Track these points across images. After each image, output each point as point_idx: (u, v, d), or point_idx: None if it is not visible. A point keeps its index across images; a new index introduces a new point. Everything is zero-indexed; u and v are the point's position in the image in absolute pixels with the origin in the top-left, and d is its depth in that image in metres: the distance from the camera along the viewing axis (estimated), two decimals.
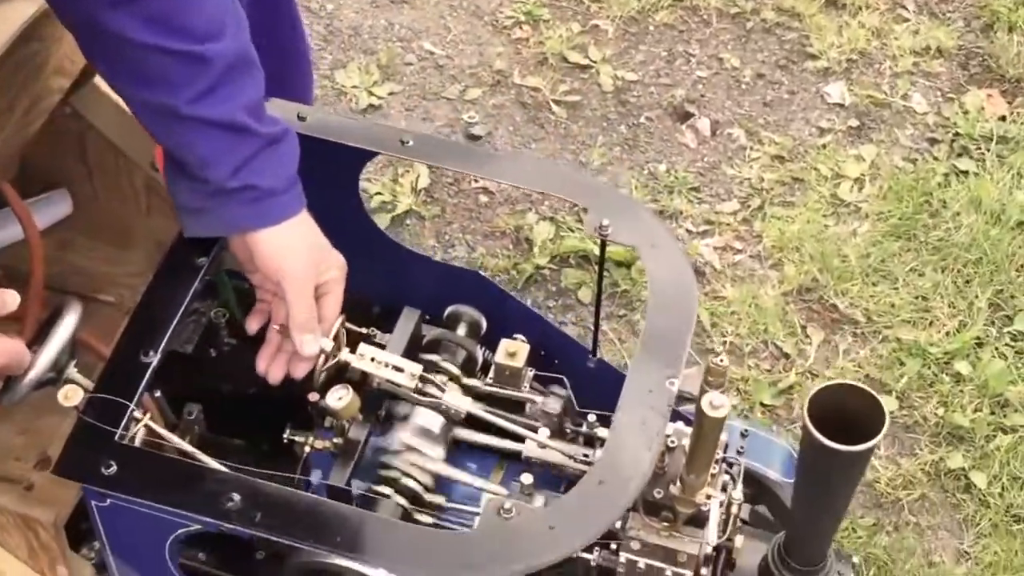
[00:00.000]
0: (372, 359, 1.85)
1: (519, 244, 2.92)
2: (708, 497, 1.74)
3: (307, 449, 1.92)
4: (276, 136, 1.68)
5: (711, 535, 1.74)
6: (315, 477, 1.96)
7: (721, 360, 1.64)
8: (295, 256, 1.73)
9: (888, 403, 2.58)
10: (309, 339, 1.78)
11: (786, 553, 1.86)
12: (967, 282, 2.85)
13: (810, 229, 2.94)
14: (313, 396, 1.89)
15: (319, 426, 1.96)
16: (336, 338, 1.84)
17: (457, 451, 1.97)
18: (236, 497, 1.62)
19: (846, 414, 1.60)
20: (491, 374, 1.99)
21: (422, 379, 1.86)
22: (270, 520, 1.61)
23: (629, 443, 1.68)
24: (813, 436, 1.57)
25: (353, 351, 1.86)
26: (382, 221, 2.94)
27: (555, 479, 1.95)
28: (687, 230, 2.98)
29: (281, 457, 1.94)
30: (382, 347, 1.92)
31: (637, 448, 1.67)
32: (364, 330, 1.93)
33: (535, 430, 1.92)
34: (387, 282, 2.13)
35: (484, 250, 2.91)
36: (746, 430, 2.18)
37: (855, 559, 1.99)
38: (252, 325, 1.91)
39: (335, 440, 1.90)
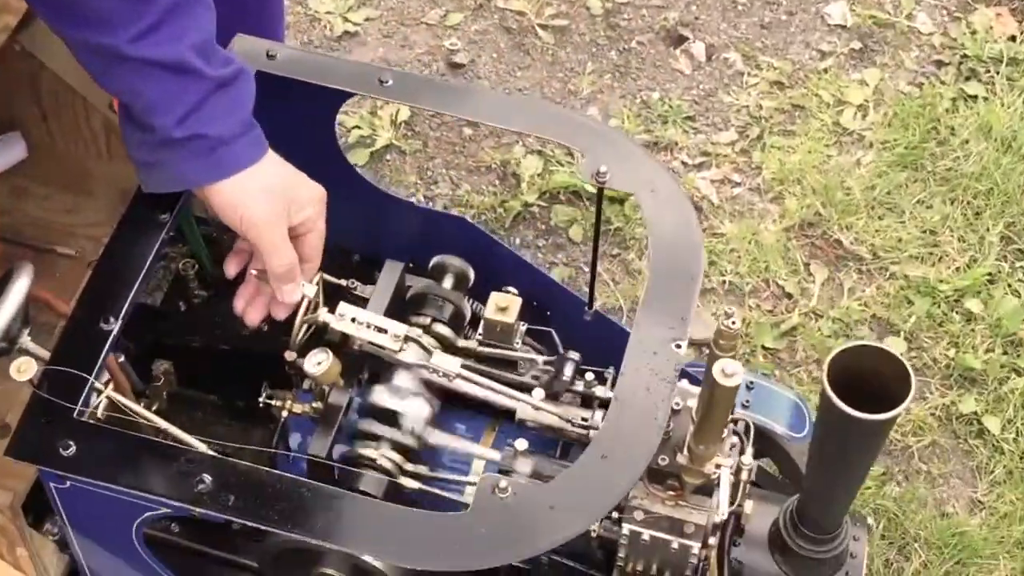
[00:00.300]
0: (353, 320, 1.71)
1: (505, 180, 2.76)
2: (717, 466, 1.62)
3: (285, 413, 1.79)
4: (226, 79, 1.53)
5: (721, 505, 1.61)
6: (294, 442, 1.83)
7: (732, 323, 1.51)
8: (256, 205, 1.59)
9: (896, 345, 2.46)
10: (290, 288, 1.65)
11: (799, 520, 1.74)
12: (977, 214, 2.71)
13: (812, 160, 2.79)
14: (290, 355, 1.75)
15: (297, 386, 1.82)
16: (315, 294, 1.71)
17: (446, 413, 1.84)
18: (207, 479, 1.49)
19: (868, 378, 1.47)
20: (480, 330, 1.85)
21: (407, 340, 1.72)
22: (244, 504, 1.48)
23: (634, 412, 1.54)
24: (833, 403, 1.45)
25: (332, 308, 1.72)
26: (360, 157, 2.78)
27: (550, 442, 1.82)
28: (682, 162, 2.83)
29: (257, 416, 1.80)
30: (364, 301, 1.79)
31: (642, 418, 1.54)
32: (343, 282, 1.83)
33: (529, 390, 1.79)
34: (367, 230, 2.00)
35: (469, 187, 2.76)
36: (751, 382, 2.05)
37: (869, 520, 1.88)
38: (230, 268, 1.75)
39: (314, 404, 1.77)
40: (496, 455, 1.76)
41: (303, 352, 1.71)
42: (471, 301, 1.91)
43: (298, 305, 1.70)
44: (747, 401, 2.03)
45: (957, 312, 2.57)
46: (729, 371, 1.46)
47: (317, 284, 1.72)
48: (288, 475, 1.51)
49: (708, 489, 1.65)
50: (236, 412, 2.03)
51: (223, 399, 1.94)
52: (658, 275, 1.66)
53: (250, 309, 1.72)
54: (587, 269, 2.53)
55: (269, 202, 1.59)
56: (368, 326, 1.71)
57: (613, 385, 1.63)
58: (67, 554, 1.87)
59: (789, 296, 2.58)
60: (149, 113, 1.54)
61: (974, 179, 2.73)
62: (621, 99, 2.92)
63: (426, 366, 1.73)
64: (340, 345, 1.74)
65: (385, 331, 1.71)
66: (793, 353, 2.47)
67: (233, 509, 1.48)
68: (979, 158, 2.75)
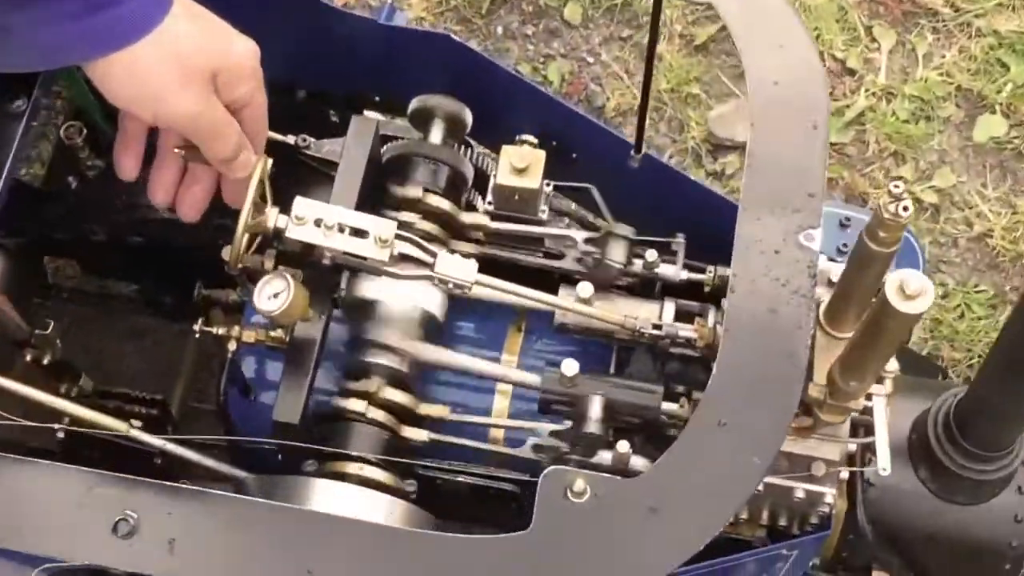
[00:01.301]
0: (318, 223, 1.17)
1: None
2: (869, 398, 1.14)
3: (232, 346, 1.28)
4: None
5: (880, 455, 1.14)
6: (250, 369, 1.33)
7: (897, 186, 1.00)
8: (170, 89, 1.10)
9: (992, 126, 1.94)
10: (242, 161, 1.19)
11: (960, 432, 1.27)
12: None
13: None
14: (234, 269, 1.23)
15: (243, 286, 1.30)
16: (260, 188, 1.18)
17: (455, 318, 1.34)
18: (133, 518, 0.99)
19: None
20: (490, 197, 1.33)
21: (398, 239, 1.20)
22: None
23: (756, 349, 1.04)
24: None
25: (286, 208, 1.18)
26: None
27: (597, 348, 1.33)
28: None
29: (190, 313, 1.38)
30: (324, 164, 1.36)
31: (772, 359, 1.04)
32: (290, 138, 1.38)
33: (567, 279, 1.29)
34: (316, 58, 1.46)
35: None
36: (847, 217, 1.55)
37: None
38: (126, 165, 1.22)
39: (273, 333, 1.26)
40: (535, 380, 1.26)
41: (253, 275, 1.19)
42: (471, 151, 1.38)
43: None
44: (844, 245, 1.54)
45: None
46: (913, 289, 0.97)
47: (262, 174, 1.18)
48: (226, 495, 1.02)
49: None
50: (162, 311, 1.54)
51: (144, 293, 1.60)
52: (764, 125, 1.12)
53: (180, 201, 1.25)
54: (592, 60, 1.97)
55: (189, 80, 1.11)
56: (340, 229, 1.18)
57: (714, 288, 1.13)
58: None
59: (851, 72, 2.04)
60: None
61: None
62: None
63: (429, 277, 1.20)
64: (302, 257, 1.21)
65: (365, 233, 1.18)
66: (863, 147, 1.95)
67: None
68: None
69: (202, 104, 1.12)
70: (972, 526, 1.35)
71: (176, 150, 1.21)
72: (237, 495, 1.16)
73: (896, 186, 1.00)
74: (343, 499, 1.17)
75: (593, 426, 1.23)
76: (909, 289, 0.97)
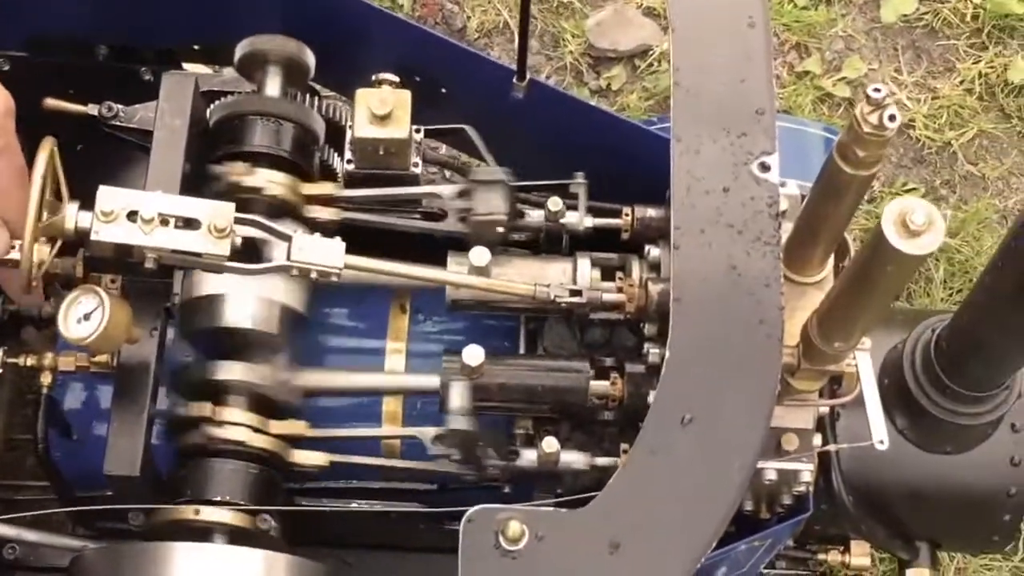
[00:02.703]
0: (132, 216, 0.91)
1: None
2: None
3: (46, 380, 1.02)
4: None
5: (874, 425, 0.92)
6: (74, 403, 1.08)
7: (878, 90, 0.78)
8: None
9: (900, 3, 1.72)
10: None
11: (944, 372, 1.06)
12: None
13: None
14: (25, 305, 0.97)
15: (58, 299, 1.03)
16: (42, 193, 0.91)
17: (320, 295, 1.09)
18: None
19: None
20: (348, 152, 1.08)
21: (239, 224, 0.94)
22: None
23: (714, 317, 0.81)
24: None
25: (85, 202, 0.92)
26: None
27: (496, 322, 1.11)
28: None
29: None
30: (136, 145, 1.10)
31: (736, 329, 0.81)
32: (91, 108, 1.13)
33: (456, 242, 1.06)
34: (117, 2, 1.19)
35: None
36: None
37: None
38: None
39: (96, 359, 1.01)
40: (430, 381, 1.03)
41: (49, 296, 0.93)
42: (317, 100, 1.13)
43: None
44: None
45: None
46: (919, 222, 0.75)
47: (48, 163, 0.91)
48: None
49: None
50: None
51: None
52: (688, 29, 0.88)
53: None
54: None
55: None
56: (163, 221, 0.91)
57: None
58: None
59: None
60: None
61: None
62: None
63: (287, 267, 0.95)
64: (117, 262, 0.95)
65: (196, 223, 0.92)
66: None
67: None
68: None
69: None
70: (963, 476, 1.15)
71: None
72: None
73: (876, 89, 0.77)
74: (210, 567, 0.91)
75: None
76: (914, 223, 0.74)
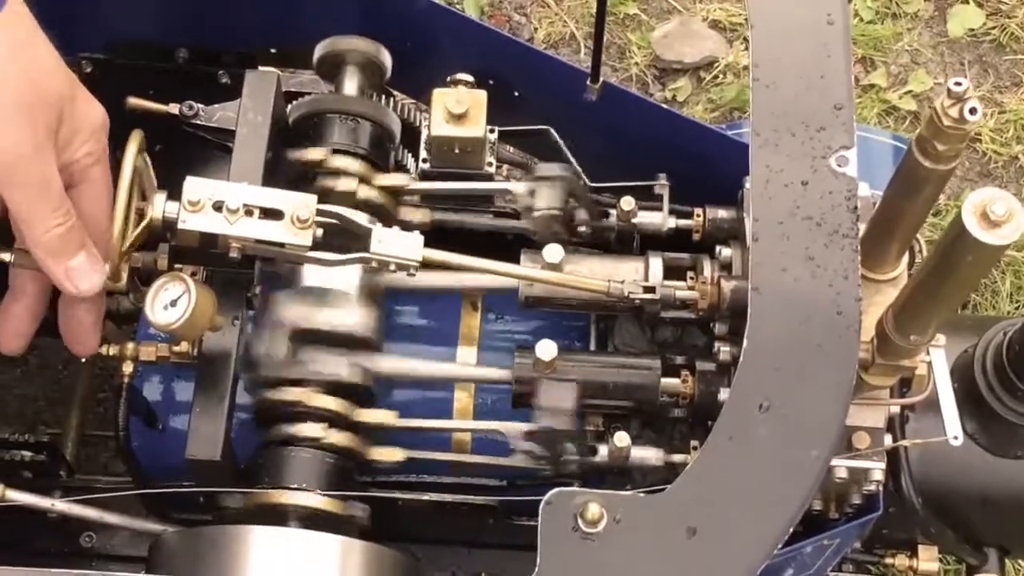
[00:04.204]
0: (219, 207, 0.93)
1: None
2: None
3: (127, 368, 1.04)
4: None
5: (948, 422, 0.92)
6: (153, 393, 1.10)
7: (959, 83, 0.79)
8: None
9: (967, 17, 1.72)
10: (80, 264, 0.89)
11: (1016, 374, 1.06)
12: None
13: None
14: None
15: (137, 293, 1.06)
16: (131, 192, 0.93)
17: (392, 301, 1.12)
18: None
19: None
20: (423, 152, 1.10)
21: (321, 216, 0.96)
22: None
23: (792, 311, 0.82)
24: None
25: (175, 192, 0.94)
26: None
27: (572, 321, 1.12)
28: None
29: None
30: (221, 133, 1.15)
31: (814, 323, 0.82)
32: (172, 108, 1.16)
33: (529, 241, 1.08)
34: (197, 8, 1.22)
35: None
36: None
37: None
38: None
39: (177, 348, 1.03)
40: (501, 373, 1.05)
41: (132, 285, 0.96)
42: (394, 100, 1.15)
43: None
44: None
45: None
46: (999, 213, 0.76)
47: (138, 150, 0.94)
48: None
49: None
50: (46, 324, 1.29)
51: None
52: (767, 26, 0.89)
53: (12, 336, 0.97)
54: None
55: (20, 116, 0.85)
56: (247, 212, 0.93)
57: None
58: None
59: None
60: None
61: None
62: None
63: (366, 259, 0.96)
64: (202, 252, 0.97)
65: (279, 214, 0.94)
66: None
67: None
68: None
69: (30, 147, 0.85)
70: None
71: (6, 256, 0.92)
72: None
73: (958, 83, 0.78)
74: (287, 550, 0.93)
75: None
76: (996, 215, 0.75)
